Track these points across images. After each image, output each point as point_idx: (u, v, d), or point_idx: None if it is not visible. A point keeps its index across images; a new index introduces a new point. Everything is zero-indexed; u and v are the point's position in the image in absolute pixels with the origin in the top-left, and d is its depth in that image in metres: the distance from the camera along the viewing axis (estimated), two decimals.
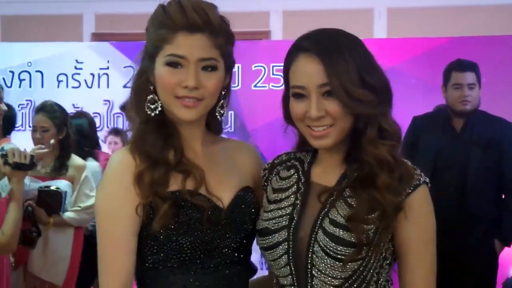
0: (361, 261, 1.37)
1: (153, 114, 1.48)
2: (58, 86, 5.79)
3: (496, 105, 4.36)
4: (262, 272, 1.73)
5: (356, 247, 1.35)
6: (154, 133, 1.47)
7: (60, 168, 3.69)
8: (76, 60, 5.80)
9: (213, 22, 1.43)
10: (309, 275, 1.39)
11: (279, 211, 1.46)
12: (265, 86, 5.47)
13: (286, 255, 1.41)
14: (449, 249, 3.20)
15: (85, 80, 5.78)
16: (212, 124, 1.57)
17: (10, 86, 5.73)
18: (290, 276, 1.42)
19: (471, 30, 5.55)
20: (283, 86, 1.50)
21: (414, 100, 4.79)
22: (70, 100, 5.64)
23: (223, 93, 1.51)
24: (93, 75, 5.78)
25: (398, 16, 6.22)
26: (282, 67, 1.49)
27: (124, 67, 5.56)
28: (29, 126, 4.90)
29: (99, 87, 5.77)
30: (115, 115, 5.70)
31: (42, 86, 5.82)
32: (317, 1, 6.19)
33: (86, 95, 5.74)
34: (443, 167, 3.56)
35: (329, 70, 1.37)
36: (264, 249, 1.46)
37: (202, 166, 1.48)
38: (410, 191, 1.40)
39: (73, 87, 5.80)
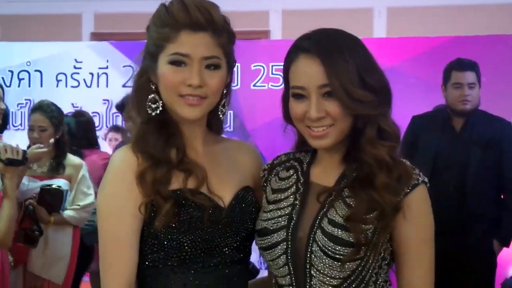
0: (359, 261, 1.37)
1: (154, 114, 1.47)
2: (57, 86, 5.79)
3: (497, 105, 4.36)
4: (261, 272, 1.72)
5: (355, 247, 1.35)
6: (155, 133, 1.47)
7: (57, 167, 3.70)
8: (75, 60, 5.80)
9: (216, 21, 1.43)
10: (307, 275, 1.39)
11: (278, 211, 1.46)
12: (264, 86, 5.47)
13: (285, 255, 1.41)
14: (448, 249, 3.20)
15: (84, 80, 5.79)
16: (213, 123, 1.57)
17: (9, 86, 5.73)
18: (288, 276, 1.42)
19: (472, 29, 5.55)
20: (283, 85, 1.50)
21: (414, 99, 4.79)
22: (69, 100, 5.65)
23: (224, 91, 1.51)
24: (92, 74, 5.78)
25: (398, 15, 6.23)
26: (281, 67, 1.48)
27: (124, 66, 5.56)
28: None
29: (98, 86, 5.77)
30: (114, 115, 5.70)
31: (41, 86, 5.82)
32: (316, 1, 6.20)
33: (85, 95, 5.74)
34: (443, 166, 3.56)
35: (329, 71, 1.37)
36: (262, 249, 1.46)
37: (204, 165, 1.49)
38: (408, 190, 1.40)
39: (72, 87, 5.80)
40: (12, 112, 5.54)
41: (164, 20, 1.44)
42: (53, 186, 3.63)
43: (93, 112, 5.38)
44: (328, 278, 1.38)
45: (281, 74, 1.50)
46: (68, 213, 3.70)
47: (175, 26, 1.42)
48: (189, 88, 1.42)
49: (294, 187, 1.49)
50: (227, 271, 1.47)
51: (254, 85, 5.50)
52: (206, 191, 1.46)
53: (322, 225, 1.39)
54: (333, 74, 1.36)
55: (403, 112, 4.17)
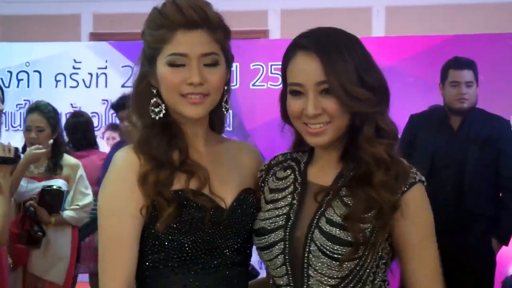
0: (357, 260, 1.37)
1: (157, 118, 1.47)
2: (56, 86, 5.80)
3: (495, 103, 4.37)
4: (262, 273, 1.72)
5: (353, 246, 1.35)
6: (158, 136, 1.47)
7: (54, 168, 3.71)
8: (74, 60, 5.80)
9: (210, 18, 1.44)
10: (305, 274, 1.39)
11: (275, 210, 1.46)
12: (264, 85, 5.47)
13: (282, 255, 1.41)
14: (448, 249, 3.18)
15: (83, 80, 5.78)
16: (216, 122, 1.57)
17: (8, 86, 5.73)
18: (286, 276, 1.41)
19: (470, 28, 5.56)
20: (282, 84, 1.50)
21: (412, 98, 4.79)
22: (68, 100, 5.66)
23: (225, 88, 1.51)
24: (91, 74, 5.78)
25: (397, 14, 6.23)
26: (280, 66, 1.48)
27: (122, 66, 5.56)
28: None
29: (97, 86, 5.77)
30: (113, 115, 5.69)
31: (40, 86, 5.82)
32: (315, 0, 6.20)
33: (84, 95, 5.74)
34: (440, 165, 3.55)
35: (327, 68, 1.37)
36: (260, 249, 1.46)
37: (206, 165, 1.48)
38: (405, 189, 1.40)
39: (71, 87, 5.80)
40: (11, 113, 5.54)
41: (158, 23, 1.44)
42: (54, 187, 3.63)
43: (92, 112, 5.39)
44: (326, 278, 1.37)
45: (280, 73, 1.49)
46: (67, 213, 3.71)
47: (170, 26, 1.42)
48: (190, 87, 1.42)
49: (292, 186, 1.48)
50: (227, 272, 1.47)
51: (253, 85, 5.50)
52: (207, 192, 1.46)
53: (320, 224, 1.39)
54: (331, 71, 1.36)
55: (402, 111, 4.18)
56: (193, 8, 1.42)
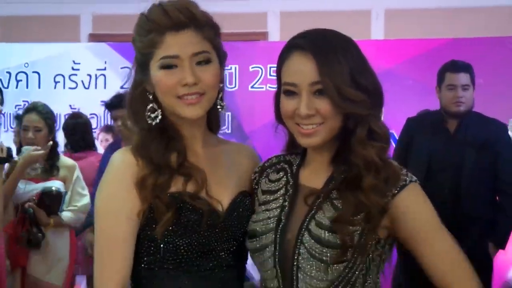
0: (346, 263, 1.36)
1: (154, 123, 1.48)
2: (55, 87, 5.78)
3: (495, 107, 4.37)
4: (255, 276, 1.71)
5: (341, 248, 1.35)
6: (156, 139, 1.47)
7: (51, 169, 3.71)
8: (73, 61, 5.79)
9: (197, 17, 1.44)
10: (294, 277, 1.39)
11: (267, 212, 1.46)
12: (262, 87, 5.46)
13: (273, 257, 1.41)
14: None
15: (82, 81, 5.78)
16: (213, 121, 1.58)
17: (7, 87, 5.72)
18: (276, 279, 1.41)
19: (469, 31, 5.56)
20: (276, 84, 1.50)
21: (411, 101, 4.80)
22: (67, 101, 5.64)
23: (221, 85, 1.51)
24: (90, 76, 5.77)
25: (396, 17, 6.23)
26: None
27: (122, 68, 5.54)
28: None
29: (96, 88, 5.76)
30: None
31: (39, 87, 5.81)
32: (314, 2, 6.20)
33: (83, 96, 5.73)
34: (437, 168, 3.55)
35: (322, 69, 1.37)
36: (252, 251, 1.46)
37: (204, 168, 1.49)
38: (396, 191, 1.39)
39: (70, 88, 5.79)
40: (10, 114, 5.54)
41: (146, 28, 1.44)
42: (53, 189, 3.64)
43: (90, 114, 5.38)
44: (315, 281, 1.37)
45: None
46: (66, 214, 3.72)
47: (159, 30, 1.43)
48: (185, 88, 1.43)
49: (284, 189, 1.49)
50: (222, 275, 1.47)
51: (252, 87, 5.49)
52: (204, 194, 1.46)
53: (310, 227, 1.39)
54: (326, 72, 1.36)
55: (400, 114, 4.19)
56: (178, 9, 1.43)
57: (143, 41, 1.45)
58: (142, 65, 1.47)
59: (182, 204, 1.43)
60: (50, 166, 3.71)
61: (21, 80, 5.83)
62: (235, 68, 5.42)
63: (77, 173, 3.79)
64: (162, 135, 1.48)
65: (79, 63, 5.78)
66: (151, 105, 1.48)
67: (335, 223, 1.36)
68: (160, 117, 1.48)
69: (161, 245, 1.42)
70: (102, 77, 5.75)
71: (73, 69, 5.79)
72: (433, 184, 3.31)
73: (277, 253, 1.40)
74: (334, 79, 1.36)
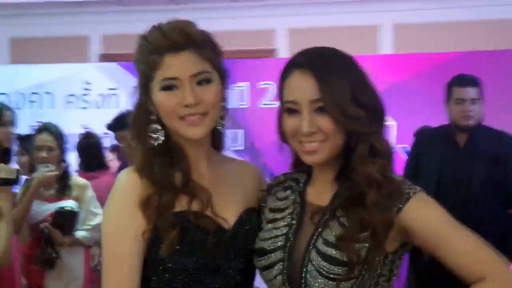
0: (354, 280, 1.37)
1: (156, 143, 1.49)
2: (67, 108, 5.83)
3: (503, 119, 4.36)
4: None
5: (348, 266, 1.35)
6: (159, 159, 1.48)
7: (64, 189, 3.74)
8: (85, 81, 5.84)
9: (195, 37, 1.44)
10: None
11: (275, 230, 1.47)
12: (273, 104, 5.48)
13: (281, 275, 1.41)
14: None
15: (94, 101, 5.82)
16: (217, 140, 1.59)
17: (21, 108, 5.77)
18: None
19: (478, 44, 5.56)
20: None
21: (420, 115, 4.80)
22: (79, 121, 5.69)
23: (222, 104, 1.51)
24: (102, 95, 5.82)
25: (405, 31, 6.24)
26: None
27: (133, 87, 5.58)
28: None
29: (108, 107, 5.80)
30: None
31: (53, 108, 5.86)
32: (322, 19, 6.22)
33: (95, 116, 5.77)
34: (447, 182, 3.53)
35: (322, 87, 1.38)
36: (260, 269, 1.47)
37: (208, 187, 1.50)
38: (401, 205, 1.39)
39: (82, 108, 5.84)
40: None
41: (146, 50, 1.45)
42: (67, 208, 3.67)
43: (103, 134, 5.42)
44: None
45: None
46: (80, 233, 3.74)
47: (158, 51, 1.43)
48: (187, 109, 1.43)
49: (292, 207, 1.49)
50: None
51: (263, 104, 5.52)
52: (210, 213, 1.47)
53: (317, 245, 1.39)
54: (326, 89, 1.37)
55: (409, 128, 4.19)
56: (176, 31, 1.43)
57: (144, 63, 1.46)
58: (144, 87, 1.48)
59: (187, 223, 1.43)
60: (63, 186, 3.74)
61: (34, 101, 5.89)
62: (246, 85, 5.45)
63: (90, 192, 3.81)
64: (166, 154, 1.49)
65: (91, 83, 5.83)
66: (154, 125, 1.49)
67: (340, 241, 1.36)
68: (162, 137, 1.49)
69: (169, 265, 1.43)
70: (114, 96, 5.80)
71: (85, 89, 5.84)
72: (443, 198, 3.29)
73: (285, 271, 1.41)
74: (335, 96, 1.37)
